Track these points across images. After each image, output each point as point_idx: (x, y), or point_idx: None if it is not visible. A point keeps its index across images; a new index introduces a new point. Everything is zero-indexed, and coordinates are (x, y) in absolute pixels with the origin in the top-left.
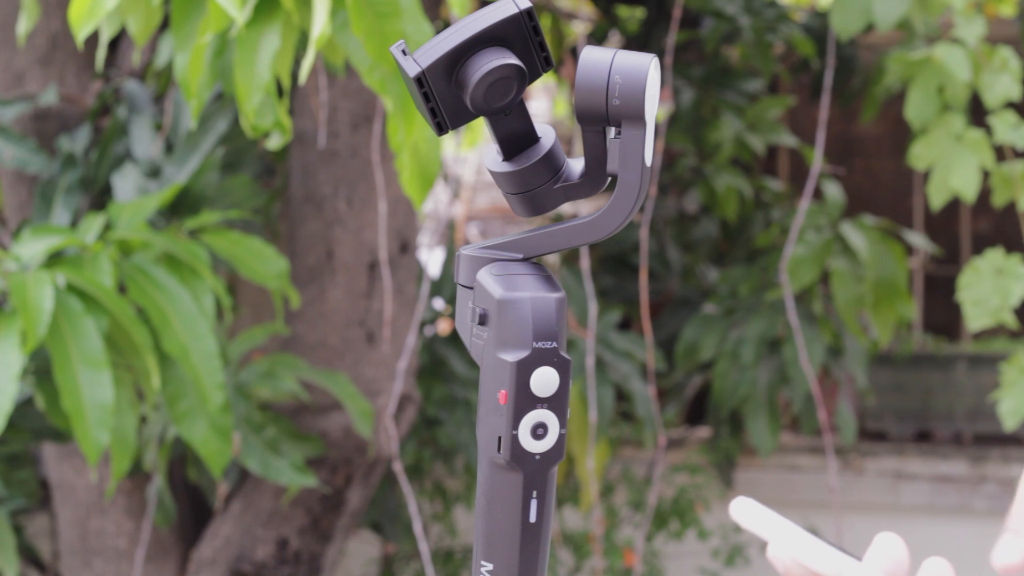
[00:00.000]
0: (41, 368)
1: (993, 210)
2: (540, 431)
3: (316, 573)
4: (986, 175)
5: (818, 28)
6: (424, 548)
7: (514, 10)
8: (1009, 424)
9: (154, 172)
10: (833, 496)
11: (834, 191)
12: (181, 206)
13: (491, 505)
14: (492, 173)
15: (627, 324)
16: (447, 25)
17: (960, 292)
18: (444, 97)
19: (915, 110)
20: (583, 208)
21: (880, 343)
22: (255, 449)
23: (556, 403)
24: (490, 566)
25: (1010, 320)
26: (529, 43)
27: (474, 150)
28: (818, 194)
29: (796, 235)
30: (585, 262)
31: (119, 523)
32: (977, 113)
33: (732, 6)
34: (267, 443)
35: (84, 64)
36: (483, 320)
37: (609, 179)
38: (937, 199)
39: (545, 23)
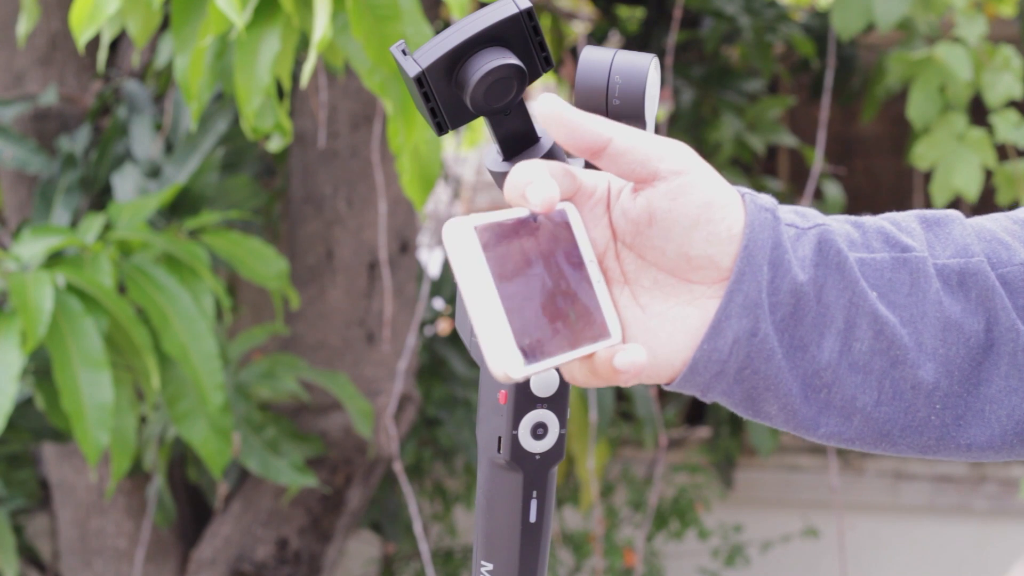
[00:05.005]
0: (41, 368)
1: (992, 210)
2: (540, 431)
3: (316, 573)
4: (987, 174)
5: (818, 28)
6: (424, 548)
7: (514, 10)
8: None
9: (154, 172)
10: (833, 496)
11: (834, 191)
12: (181, 206)
13: (491, 505)
14: (492, 173)
15: None
16: (447, 26)
17: None
18: (444, 97)
19: (917, 110)
20: None
21: None
22: (255, 449)
23: (556, 403)
24: (490, 566)
25: None
26: (529, 43)
27: (474, 150)
28: (818, 194)
29: None
30: None
31: (119, 523)
32: (978, 112)
33: (732, 6)
34: (267, 443)
35: (84, 64)
36: None
37: None
38: (940, 198)
39: (545, 23)
